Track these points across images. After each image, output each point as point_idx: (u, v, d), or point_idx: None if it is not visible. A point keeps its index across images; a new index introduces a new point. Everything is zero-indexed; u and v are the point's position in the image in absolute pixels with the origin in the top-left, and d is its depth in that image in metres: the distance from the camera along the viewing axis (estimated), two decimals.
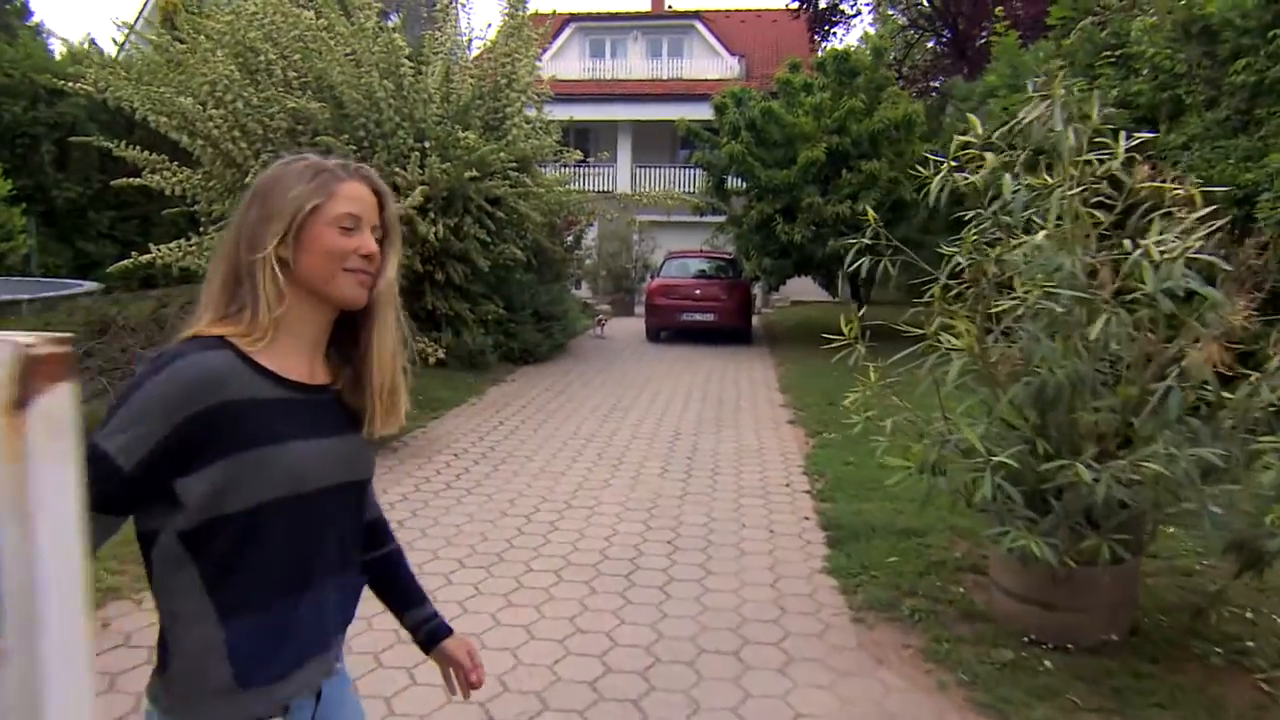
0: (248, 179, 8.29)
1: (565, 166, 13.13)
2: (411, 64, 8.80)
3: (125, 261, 8.16)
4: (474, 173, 9.15)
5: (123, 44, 14.81)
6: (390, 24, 9.21)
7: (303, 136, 8.40)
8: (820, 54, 13.45)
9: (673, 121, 25.51)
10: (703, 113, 25.39)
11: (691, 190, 24.77)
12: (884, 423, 3.75)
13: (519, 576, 4.13)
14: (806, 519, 5.10)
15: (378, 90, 8.44)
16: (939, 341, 3.65)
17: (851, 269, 3.66)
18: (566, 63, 26.39)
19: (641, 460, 6.46)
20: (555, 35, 27.04)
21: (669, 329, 14.13)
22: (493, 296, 10.81)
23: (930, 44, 23.20)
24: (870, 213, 3.80)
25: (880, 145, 12.08)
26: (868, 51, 12.41)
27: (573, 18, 27.21)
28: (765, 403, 8.93)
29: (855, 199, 11.64)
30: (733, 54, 26.27)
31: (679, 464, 6.38)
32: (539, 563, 4.31)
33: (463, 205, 9.57)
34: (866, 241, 3.70)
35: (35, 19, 22.31)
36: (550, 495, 5.50)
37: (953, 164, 3.61)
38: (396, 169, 8.63)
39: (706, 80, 25.74)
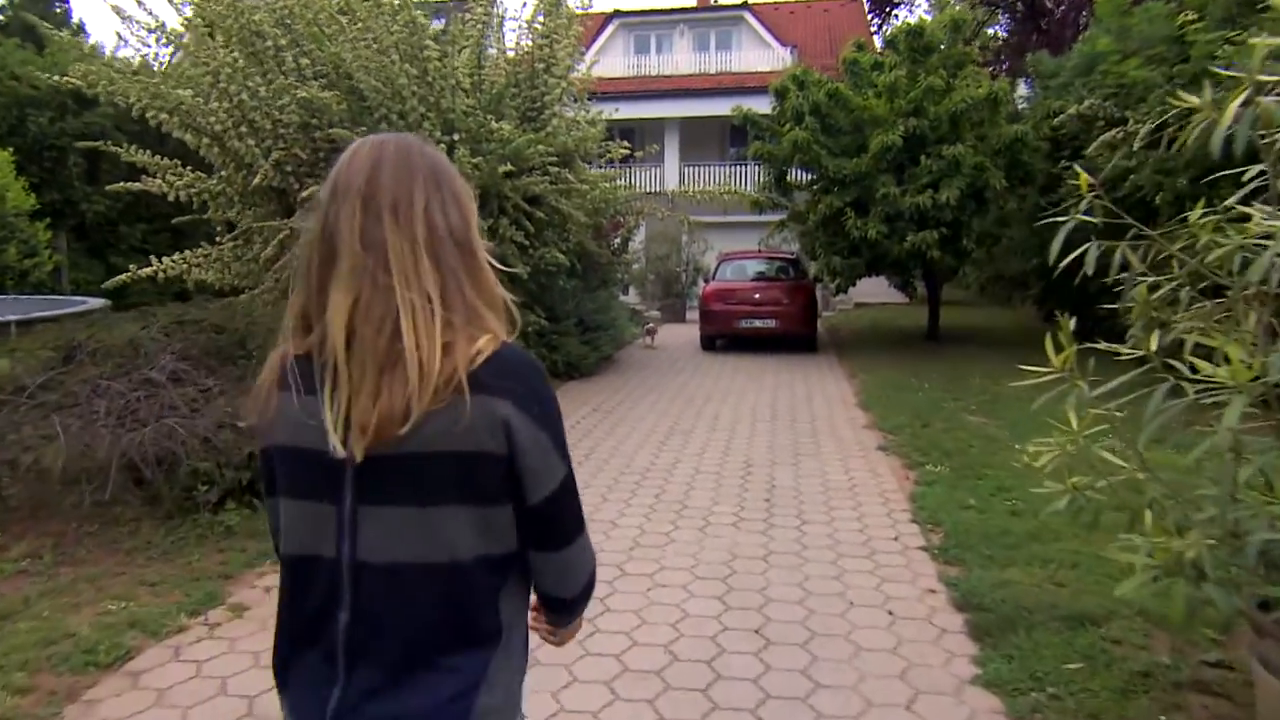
0: (258, 180, 7.40)
1: (612, 164, 12.09)
2: (437, 46, 7.82)
3: (122, 276, 7.34)
4: (509, 168, 8.14)
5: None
6: None
7: (317, 131, 7.48)
8: (888, 31, 12.13)
9: (721, 117, 24.48)
10: (753, 106, 24.39)
11: (745, 187, 23.69)
12: (1096, 486, 2.57)
13: (557, 694, 3.04)
14: (932, 591, 3.91)
15: (399, 77, 7.47)
16: (1168, 365, 2.46)
17: (1061, 262, 2.47)
18: (610, 60, 25.38)
19: (710, 504, 5.33)
20: (598, 32, 26.13)
21: (725, 337, 12.97)
22: (533, 306, 9.78)
23: (1003, 18, 21.60)
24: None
25: (961, 128, 10.78)
26: (943, 26, 11.11)
27: (616, 14, 26.27)
28: (845, 424, 7.72)
29: (936, 188, 10.36)
30: (784, 44, 25.01)
31: (755, 508, 5.23)
32: (585, 668, 3.22)
33: (497, 204, 8.57)
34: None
35: (75, 20, 22.04)
36: (599, 555, 4.40)
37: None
38: None
39: (757, 72, 24.54)
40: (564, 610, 1.21)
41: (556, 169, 9.09)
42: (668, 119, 23.86)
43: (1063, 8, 19.10)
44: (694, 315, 19.48)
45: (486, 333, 1.02)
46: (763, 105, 24.21)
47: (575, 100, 10.37)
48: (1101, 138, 8.80)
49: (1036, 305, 14.48)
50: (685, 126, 24.44)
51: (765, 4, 27.40)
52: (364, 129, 7.50)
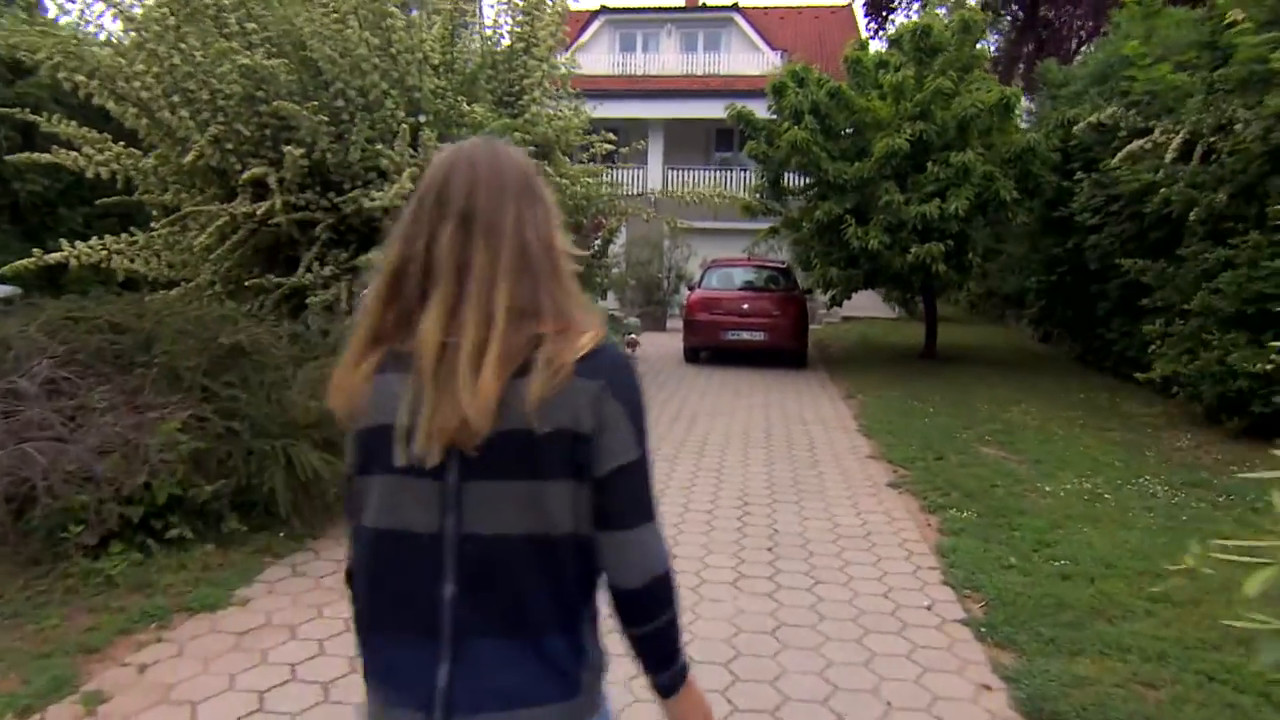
0: (191, 158, 6.49)
1: (595, 161, 11.28)
2: (403, 16, 6.94)
3: (25, 261, 6.39)
4: None
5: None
6: None
7: (263, 105, 6.57)
8: (892, 29, 11.41)
9: (708, 120, 23.79)
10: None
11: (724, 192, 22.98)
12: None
13: None
14: (988, 689, 3.12)
15: (358, 47, 6.58)
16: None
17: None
18: (594, 57, 24.63)
19: (703, 553, 4.50)
20: (583, 28, 25.37)
21: (710, 349, 12.18)
22: None
23: (993, 34, 21.13)
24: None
25: (969, 135, 10.09)
26: (952, 26, 10.42)
27: (602, 9, 25.53)
28: (848, 453, 6.94)
29: (943, 197, 9.65)
30: (773, 48, 24.39)
31: (757, 560, 4.42)
32: None
33: None
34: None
35: None
36: None
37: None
38: (382, 147, 6.78)
39: (745, 75, 23.93)
40: (632, 609, 1.12)
41: (535, 160, 8.23)
42: (652, 120, 23.08)
43: (1063, 19, 18.61)
44: (676, 324, 18.69)
45: (589, 329, 1.08)
46: (752, 108, 23.77)
47: (557, 94, 9.56)
48: (1127, 149, 8.16)
49: (1033, 325, 13.83)
50: (670, 128, 23.71)
51: (755, 8, 26.80)
52: (316, 104, 6.61)
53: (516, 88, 8.37)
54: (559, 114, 9.09)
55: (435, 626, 1.05)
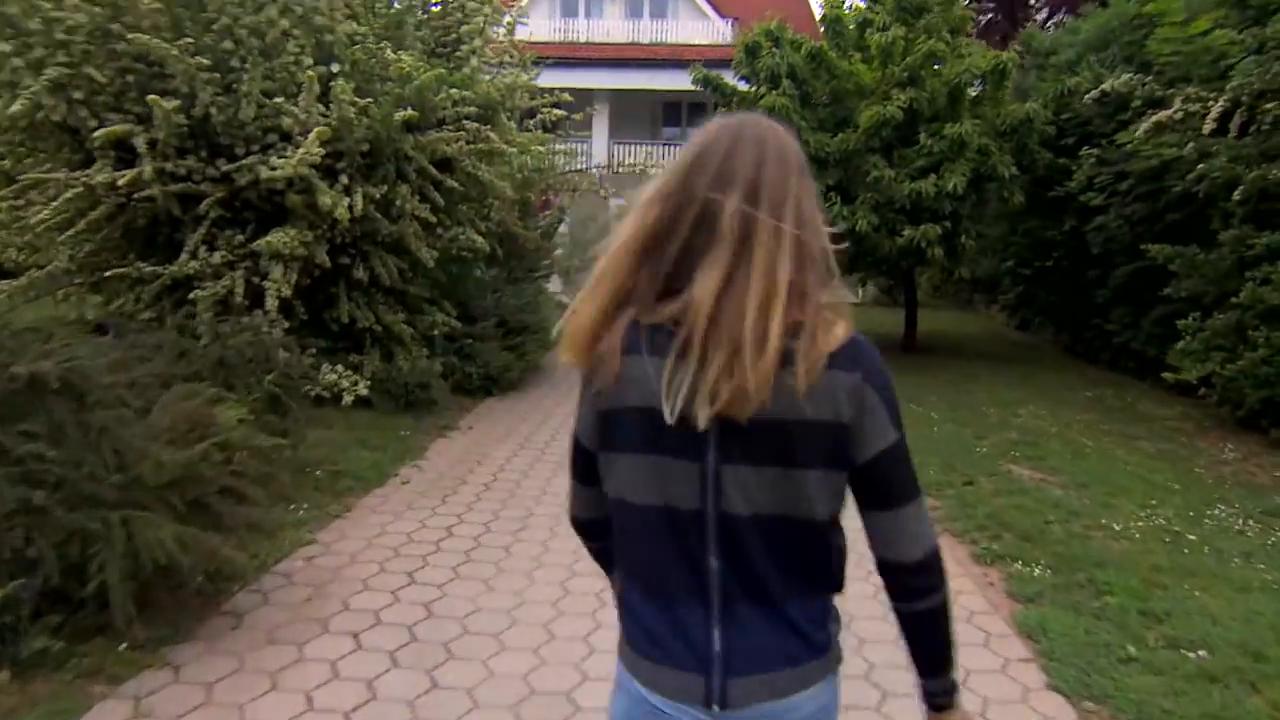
0: (18, 107, 4.98)
1: (543, 128, 9.96)
2: None
3: None
4: (410, 115, 5.91)
5: None
6: None
7: (120, 42, 5.08)
8: None
9: (656, 91, 22.54)
10: (689, 81, 22.42)
11: None
12: None
13: None
14: None
15: None
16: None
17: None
18: (534, 23, 22.96)
19: None
20: None
21: None
22: (441, 302, 7.60)
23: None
24: None
25: (961, 105, 9.08)
26: None
27: None
28: None
29: (937, 172, 8.63)
30: (724, 16, 23.17)
31: None
32: None
33: (395, 168, 6.33)
34: None
35: None
36: (557, 706, 2.39)
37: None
38: (283, 101, 5.37)
39: (694, 45, 22.64)
40: (910, 583, 1.14)
41: (475, 125, 6.90)
42: (597, 90, 21.65)
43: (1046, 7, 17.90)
44: None
45: (843, 319, 1.06)
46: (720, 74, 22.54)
47: (504, 60, 8.22)
48: (1153, 119, 7.21)
49: (1008, 311, 12.99)
50: (616, 100, 22.31)
51: None
52: (193, 43, 5.15)
53: (453, 35, 6.99)
54: (505, 72, 7.73)
55: (705, 595, 1.10)
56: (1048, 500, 5.15)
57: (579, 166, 17.87)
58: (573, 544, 4.54)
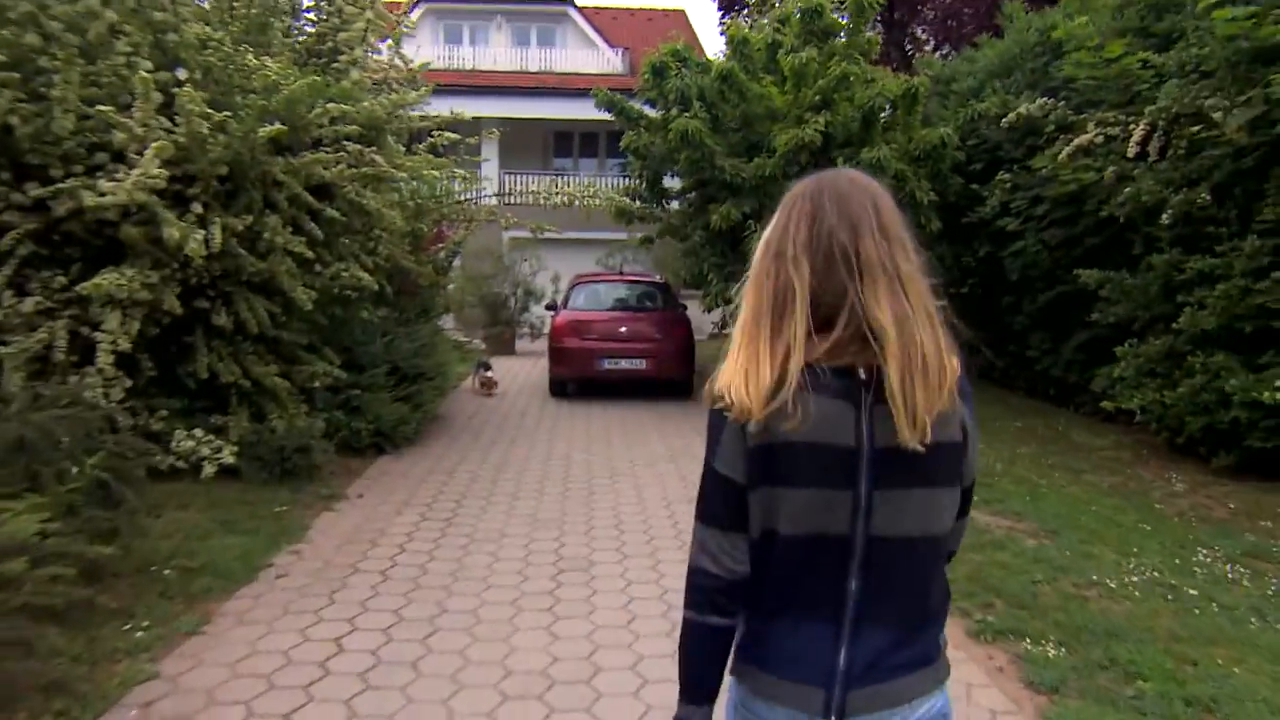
0: None
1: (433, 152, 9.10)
2: None
3: None
4: (278, 131, 4.98)
5: None
6: None
7: None
8: (778, 9, 9.99)
9: (546, 120, 21.88)
10: (580, 110, 21.87)
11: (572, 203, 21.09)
12: None
13: None
14: None
15: None
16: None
17: None
18: (419, 49, 22.05)
19: None
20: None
21: (582, 380, 10.24)
22: (322, 349, 6.58)
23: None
24: None
25: (874, 129, 8.81)
26: (847, 6, 9.12)
27: None
28: None
29: None
30: (613, 47, 22.87)
31: None
32: None
33: (261, 194, 5.35)
34: None
35: None
36: None
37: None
38: (110, 111, 4.34)
39: (584, 75, 22.21)
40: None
41: (358, 147, 6.00)
42: (486, 118, 20.81)
43: (930, 31, 18.31)
44: (525, 346, 16.60)
45: (953, 353, 1.16)
46: (592, 109, 22.00)
47: (382, 78, 7.35)
48: (1074, 143, 7.05)
49: None
50: (506, 128, 21.49)
51: (589, 6, 25.13)
52: None
53: (328, 44, 6.09)
54: (390, 94, 6.89)
55: (839, 613, 1.16)
56: (1025, 554, 4.65)
57: (478, 195, 16.98)
58: (501, 651, 3.67)
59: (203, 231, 4.76)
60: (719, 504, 1.19)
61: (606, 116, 17.45)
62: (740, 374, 1.13)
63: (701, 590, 1.20)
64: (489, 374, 10.24)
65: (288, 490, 5.66)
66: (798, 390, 1.09)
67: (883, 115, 8.82)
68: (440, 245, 9.50)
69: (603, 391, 10.35)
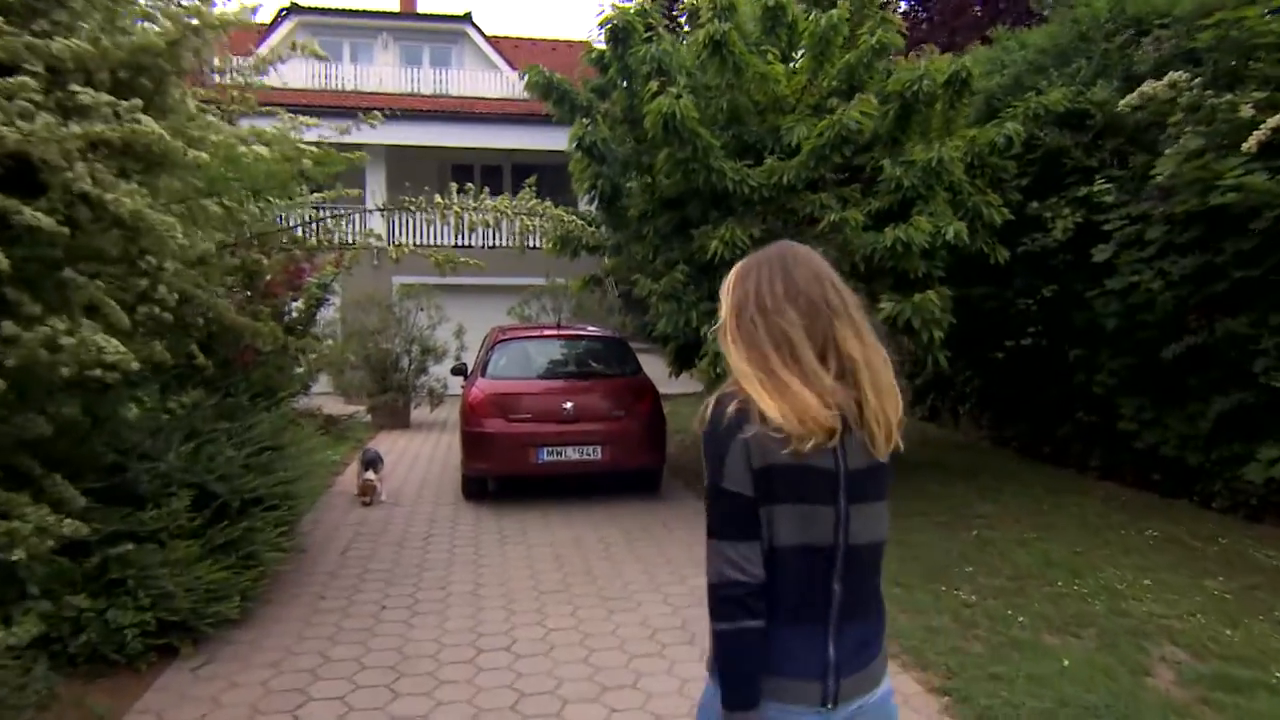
0: None
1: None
2: None
3: None
4: None
5: None
6: None
7: None
8: None
9: (442, 149, 18.94)
10: (481, 138, 19.06)
11: (472, 243, 18.06)
12: None
13: None
14: None
15: None
16: None
17: None
18: (288, 68, 18.74)
19: None
20: (271, 29, 19.52)
21: (508, 479, 7.30)
22: (48, 476, 3.48)
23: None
24: None
25: (911, 124, 6.42)
26: None
27: (294, 8, 19.81)
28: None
29: (904, 216, 5.82)
30: (515, 69, 20.27)
31: None
32: None
33: None
34: None
35: None
36: None
37: None
38: None
39: (485, 99, 19.56)
40: None
41: (105, 97, 3.06)
42: (367, 145, 17.69)
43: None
44: (423, 416, 13.43)
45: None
46: (494, 138, 19.22)
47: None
48: (1257, 134, 4.78)
49: (970, 412, 10.20)
50: (393, 158, 18.43)
51: (488, 34, 22.48)
52: None
53: None
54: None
55: (826, 614, 1.40)
56: None
57: (353, 238, 13.68)
58: None
59: None
60: (734, 518, 1.38)
61: (511, 144, 14.86)
62: (797, 404, 1.33)
63: (732, 600, 1.37)
64: (370, 476, 7.12)
65: None
66: (827, 417, 1.34)
67: (922, 106, 6.39)
68: (298, 285, 6.46)
69: (536, 490, 7.42)
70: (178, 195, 3.56)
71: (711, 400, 1.39)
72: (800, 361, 1.35)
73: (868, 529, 1.40)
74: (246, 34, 14.34)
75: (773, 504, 1.35)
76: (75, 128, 2.92)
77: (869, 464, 1.38)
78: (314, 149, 4.17)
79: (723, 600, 1.36)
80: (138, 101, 3.26)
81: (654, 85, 5.75)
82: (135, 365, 3.15)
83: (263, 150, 3.50)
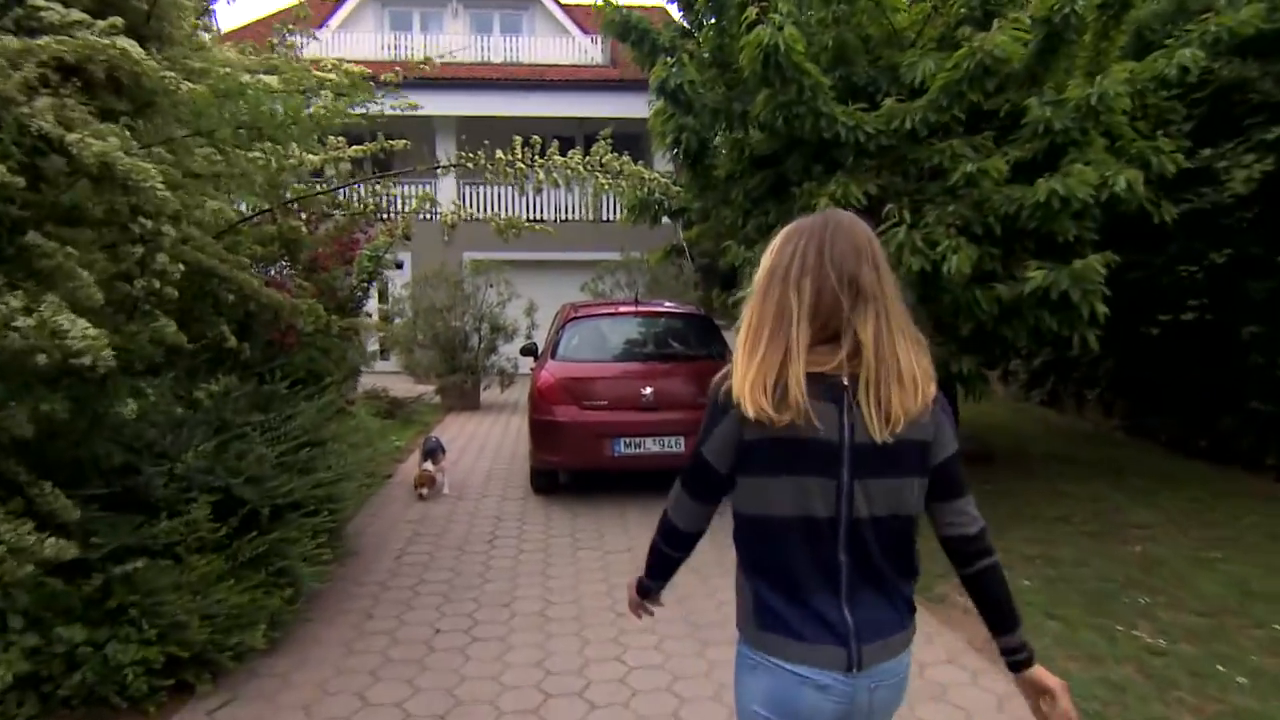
0: None
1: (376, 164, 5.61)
2: None
3: None
4: None
5: None
6: None
7: None
8: None
9: (515, 119, 18.26)
10: (554, 106, 18.33)
11: (544, 215, 17.36)
12: None
13: None
14: None
15: None
16: None
17: None
18: (357, 38, 18.57)
19: None
20: (339, 3, 19.21)
21: (581, 471, 6.59)
22: (31, 485, 2.86)
23: None
24: None
25: (1057, 58, 5.34)
26: None
27: None
28: None
29: (1053, 167, 4.80)
30: (587, 33, 19.45)
31: None
32: None
33: None
34: None
35: None
36: None
37: None
38: None
39: (557, 65, 18.84)
40: (973, 549, 1.50)
41: (79, 14, 2.36)
42: (438, 117, 17.23)
43: None
44: (494, 398, 12.89)
45: (930, 375, 1.43)
46: (567, 106, 18.44)
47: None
48: None
49: (1101, 397, 8.96)
50: (465, 129, 17.82)
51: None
52: None
53: None
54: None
55: (835, 583, 1.43)
56: None
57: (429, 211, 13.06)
58: None
59: None
60: (700, 481, 1.56)
61: (585, 112, 14.16)
62: (757, 382, 1.35)
63: (669, 530, 1.69)
64: (428, 466, 6.49)
65: None
66: (802, 395, 1.34)
67: (1069, 35, 5.28)
68: (349, 263, 5.84)
69: (612, 483, 6.69)
70: (174, 144, 2.88)
71: (723, 370, 1.45)
72: (787, 337, 1.37)
73: (878, 504, 1.41)
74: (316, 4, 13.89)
75: (767, 476, 1.43)
76: (13, 42, 2.25)
77: (884, 440, 1.37)
78: (331, 77, 3.44)
79: (661, 526, 1.72)
80: (118, 20, 2.60)
81: (751, 13, 4.84)
82: (108, 352, 2.49)
83: (271, 80, 2.79)
